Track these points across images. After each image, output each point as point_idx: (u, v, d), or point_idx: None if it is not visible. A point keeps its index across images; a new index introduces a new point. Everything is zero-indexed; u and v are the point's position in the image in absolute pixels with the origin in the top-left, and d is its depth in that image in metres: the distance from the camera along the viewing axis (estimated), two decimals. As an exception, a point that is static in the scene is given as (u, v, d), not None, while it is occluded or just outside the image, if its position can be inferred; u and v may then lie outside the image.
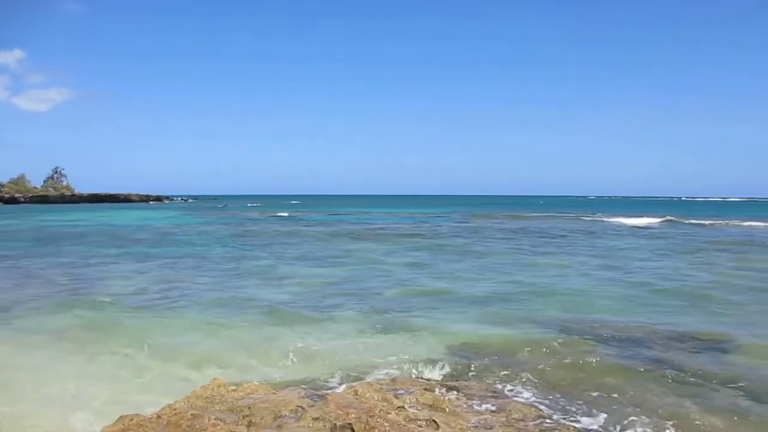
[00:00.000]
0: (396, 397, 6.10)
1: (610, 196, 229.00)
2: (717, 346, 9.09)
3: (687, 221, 46.22)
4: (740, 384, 7.23)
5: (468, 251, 23.46)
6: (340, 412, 5.47)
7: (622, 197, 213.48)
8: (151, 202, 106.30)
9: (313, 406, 5.80)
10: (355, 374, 7.42)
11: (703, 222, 45.12)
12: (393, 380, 6.84)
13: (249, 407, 5.68)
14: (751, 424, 6.03)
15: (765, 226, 39.69)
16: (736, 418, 6.18)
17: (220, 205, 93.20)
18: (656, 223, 45.25)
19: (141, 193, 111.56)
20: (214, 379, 6.31)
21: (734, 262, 19.68)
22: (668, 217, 50.18)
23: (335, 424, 5.27)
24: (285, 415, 5.56)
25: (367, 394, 6.07)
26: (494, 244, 26.92)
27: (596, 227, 39.94)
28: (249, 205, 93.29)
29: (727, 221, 45.80)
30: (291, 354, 8.55)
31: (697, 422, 6.03)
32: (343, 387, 6.74)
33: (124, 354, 8.72)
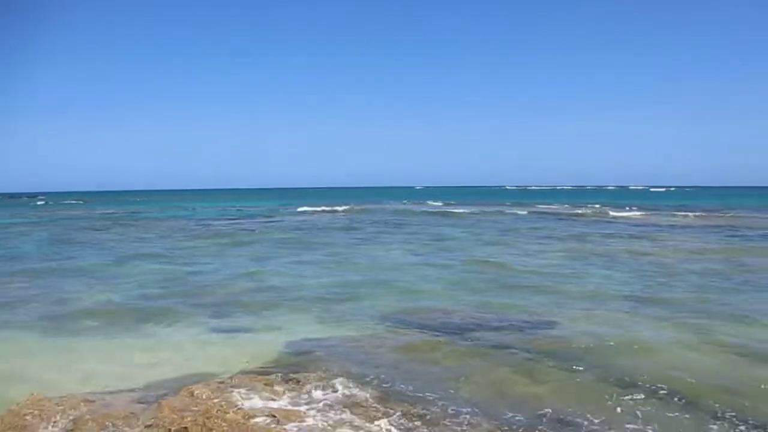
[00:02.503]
0: (234, 395, 6.03)
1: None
2: (538, 323, 10.03)
3: (510, 210, 49.92)
4: (558, 356, 8.03)
5: (304, 242, 23.57)
6: (175, 416, 5.31)
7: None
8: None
9: (146, 412, 5.56)
10: (193, 377, 7.17)
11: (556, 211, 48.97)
12: (231, 378, 6.75)
13: (74, 421, 5.31)
14: (571, 389, 6.76)
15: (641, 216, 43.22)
16: (557, 383, 6.92)
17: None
18: (486, 211, 48.46)
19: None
20: (32, 394, 5.80)
21: (569, 248, 21.61)
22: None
23: (169, 430, 5.10)
24: (114, 425, 5.27)
25: (204, 395, 5.95)
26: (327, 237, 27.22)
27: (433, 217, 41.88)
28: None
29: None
30: (121, 361, 8.08)
31: (519, 390, 6.64)
32: (179, 390, 6.50)
33: None
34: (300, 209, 51.10)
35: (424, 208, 53.00)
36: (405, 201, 71.60)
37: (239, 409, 5.70)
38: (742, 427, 5.71)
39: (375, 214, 44.92)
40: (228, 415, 5.46)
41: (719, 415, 6.01)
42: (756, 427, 5.72)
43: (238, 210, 54.22)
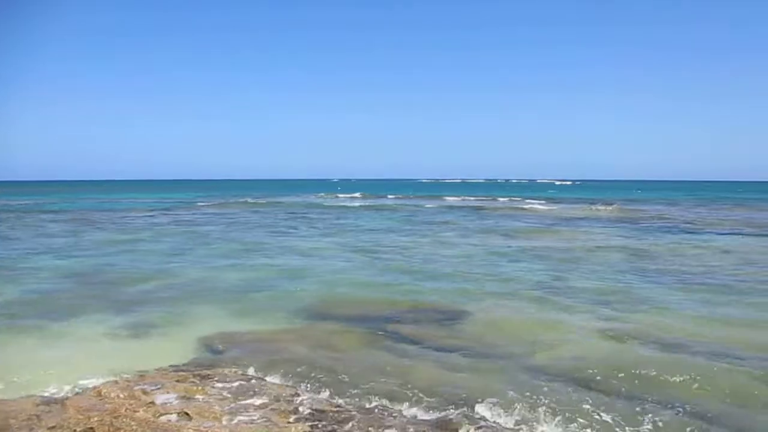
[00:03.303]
0: (144, 393, 5.91)
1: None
2: (450, 313, 10.34)
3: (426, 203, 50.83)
4: (467, 345, 8.37)
5: (217, 236, 23.14)
6: (81, 417, 5.15)
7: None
8: None
9: (49, 413, 5.35)
10: (101, 375, 6.94)
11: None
12: (142, 376, 6.61)
13: (-32, 424, 5.05)
14: (480, 378, 7.01)
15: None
16: (467, 373, 7.20)
17: None
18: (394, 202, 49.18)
19: None
20: None
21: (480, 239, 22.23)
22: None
23: (74, 431, 4.93)
24: (14, 428, 5.04)
25: (113, 394, 5.80)
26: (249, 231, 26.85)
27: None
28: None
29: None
30: (23, 360, 7.70)
31: (430, 381, 6.83)
32: (85, 390, 6.28)
33: None
34: (202, 203, 49.53)
35: (338, 202, 53.16)
36: (321, 194, 71.75)
37: (150, 406, 5.58)
38: (638, 408, 6.10)
39: (289, 207, 44.65)
40: (137, 414, 5.35)
41: (621, 397, 6.46)
42: (654, 405, 6.16)
43: (135, 203, 52.41)
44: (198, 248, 19.39)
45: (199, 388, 6.31)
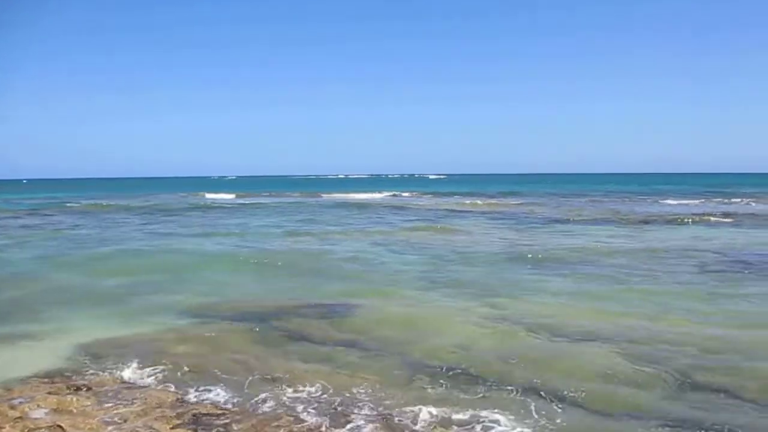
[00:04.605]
0: (12, 407, 5.56)
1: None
2: (334, 307, 10.46)
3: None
4: (354, 340, 8.54)
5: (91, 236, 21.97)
6: (-62, 438, 4.76)
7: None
8: None
9: None
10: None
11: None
12: (9, 390, 6.17)
13: None
14: (363, 372, 7.13)
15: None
16: (355, 368, 7.28)
17: None
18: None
19: None
20: None
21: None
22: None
23: (-69, 453, 4.56)
24: None
25: (-24, 411, 5.38)
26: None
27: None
28: None
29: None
30: None
31: (315, 377, 6.88)
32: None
33: None
34: (70, 204, 45.47)
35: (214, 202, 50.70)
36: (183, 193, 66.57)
37: (17, 422, 5.26)
38: (513, 392, 6.44)
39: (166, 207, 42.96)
40: (4, 430, 5.02)
41: (498, 381, 6.78)
42: (528, 388, 6.54)
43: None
44: (73, 250, 18.29)
45: (74, 399, 6.02)
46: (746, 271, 13.62)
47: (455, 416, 5.88)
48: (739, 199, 44.01)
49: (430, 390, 6.56)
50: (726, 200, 43.59)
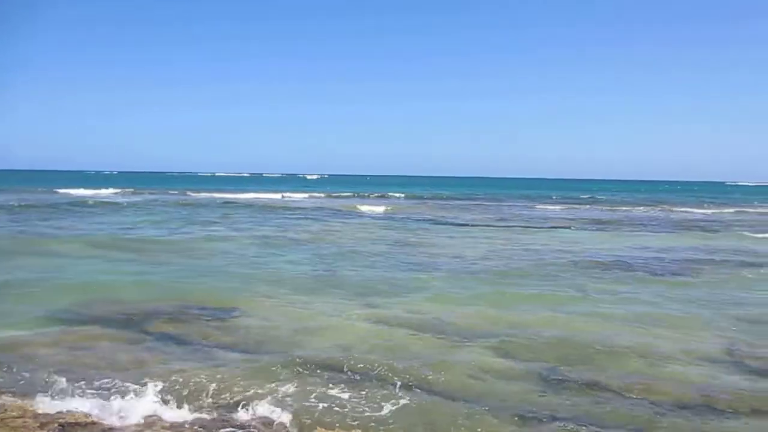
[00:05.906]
0: None
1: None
2: (219, 309, 10.28)
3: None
4: (237, 341, 8.46)
5: None
6: None
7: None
8: None
9: None
10: None
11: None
12: None
13: None
14: (247, 374, 7.01)
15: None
16: (236, 372, 7.11)
17: None
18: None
19: None
20: None
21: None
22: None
23: None
24: None
25: None
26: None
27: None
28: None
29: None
30: None
31: (198, 379, 6.73)
32: None
33: None
34: None
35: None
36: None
37: None
38: (386, 390, 6.62)
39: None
40: None
41: (375, 380, 6.97)
42: (402, 386, 6.74)
43: None
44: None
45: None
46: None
47: (323, 413, 5.95)
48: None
49: (313, 389, 6.55)
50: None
